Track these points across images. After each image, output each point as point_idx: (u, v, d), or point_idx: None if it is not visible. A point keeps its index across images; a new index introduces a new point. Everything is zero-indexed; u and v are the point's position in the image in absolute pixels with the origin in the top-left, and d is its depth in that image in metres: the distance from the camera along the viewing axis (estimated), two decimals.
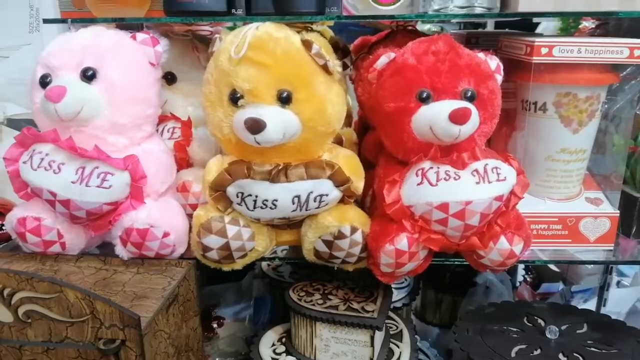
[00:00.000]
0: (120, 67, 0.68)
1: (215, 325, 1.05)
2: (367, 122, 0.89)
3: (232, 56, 0.64)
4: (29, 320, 0.56)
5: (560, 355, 0.72)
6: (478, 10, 0.71)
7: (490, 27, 1.30)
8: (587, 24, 1.08)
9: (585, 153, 0.79)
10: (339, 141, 0.78)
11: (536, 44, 0.71)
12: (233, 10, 0.72)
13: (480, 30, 1.23)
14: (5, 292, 0.55)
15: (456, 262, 0.74)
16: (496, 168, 0.65)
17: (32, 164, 0.66)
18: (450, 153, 0.65)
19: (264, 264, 1.14)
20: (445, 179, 0.64)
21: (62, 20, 0.74)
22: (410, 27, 0.91)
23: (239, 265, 0.71)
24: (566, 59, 0.71)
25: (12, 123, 0.85)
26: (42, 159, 0.66)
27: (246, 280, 1.16)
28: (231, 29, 1.02)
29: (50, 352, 0.56)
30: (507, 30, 1.02)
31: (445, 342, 1.05)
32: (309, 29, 0.72)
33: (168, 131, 0.81)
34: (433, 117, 0.63)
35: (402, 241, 0.65)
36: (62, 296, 0.54)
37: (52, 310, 0.55)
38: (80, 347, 0.55)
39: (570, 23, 1.18)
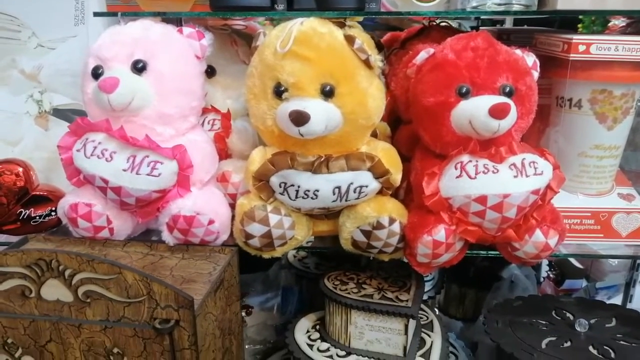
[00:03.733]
0: (169, 59, 0.70)
1: (244, 314, 1.08)
2: (398, 114, 0.90)
3: (278, 50, 0.65)
4: (88, 300, 0.58)
5: (591, 348, 0.73)
6: (516, 8, 0.72)
7: (508, 23, 1.30)
8: (617, 22, 1.09)
9: (619, 149, 0.80)
10: (373, 134, 0.80)
11: (574, 41, 0.72)
12: (275, 6, 0.73)
13: (512, 27, 1.24)
14: (67, 272, 0.57)
15: (490, 254, 0.76)
16: (533, 162, 0.67)
17: (86, 152, 0.68)
18: (488, 147, 0.67)
19: (290, 254, 1.16)
20: (483, 172, 0.66)
21: (112, 14, 0.77)
22: (443, 24, 0.93)
23: (278, 253, 0.73)
24: (603, 56, 0.72)
25: (58, 113, 0.87)
26: (95, 147, 0.68)
27: (273, 270, 1.18)
28: (261, 23, 1.04)
29: (108, 330, 0.58)
30: (535, 27, 1.02)
31: (469, 335, 1.07)
32: (344, 24, 0.73)
33: (208, 123, 0.83)
34: (473, 111, 0.65)
35: (440, 232, 0.67)
36: (120, 277, 0.56)
37: (110, 290, 0.57)
38: (136, 327, 0.58)
39: (592, 22, 1.18)
